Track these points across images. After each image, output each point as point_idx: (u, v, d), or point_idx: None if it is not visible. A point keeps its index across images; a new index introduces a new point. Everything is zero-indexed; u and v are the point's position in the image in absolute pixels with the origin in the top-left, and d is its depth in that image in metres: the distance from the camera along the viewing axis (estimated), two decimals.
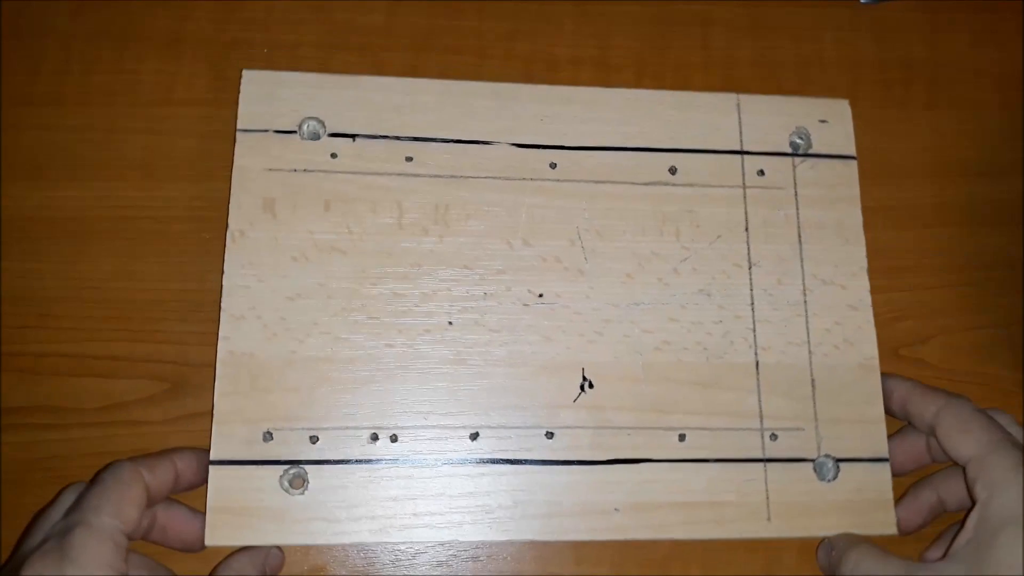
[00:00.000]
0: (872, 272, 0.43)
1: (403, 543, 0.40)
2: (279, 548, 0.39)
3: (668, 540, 0.40)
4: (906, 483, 0.42)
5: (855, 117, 0.46)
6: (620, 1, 0.49)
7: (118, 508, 0.34)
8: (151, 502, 0.36)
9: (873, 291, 0.43)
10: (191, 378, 0.41)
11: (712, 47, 0.49)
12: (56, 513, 0.35)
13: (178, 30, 0.46)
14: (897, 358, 0.45)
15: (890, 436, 0.42)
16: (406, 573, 0.40)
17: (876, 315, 0.43)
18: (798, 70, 0.49)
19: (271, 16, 0.46)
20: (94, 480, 0.36)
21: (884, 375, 0.42)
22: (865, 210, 0.45)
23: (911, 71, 0.50)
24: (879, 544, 0.39)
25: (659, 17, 0.49)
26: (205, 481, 0.38)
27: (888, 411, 0.42)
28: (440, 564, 0.40)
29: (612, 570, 0.41)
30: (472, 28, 0.47)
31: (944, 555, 0.37)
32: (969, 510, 0.37)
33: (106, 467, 0.36)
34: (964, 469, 0.38)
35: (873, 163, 0.47)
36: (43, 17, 0.45)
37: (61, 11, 0.45)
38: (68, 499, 0.36)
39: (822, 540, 0.41)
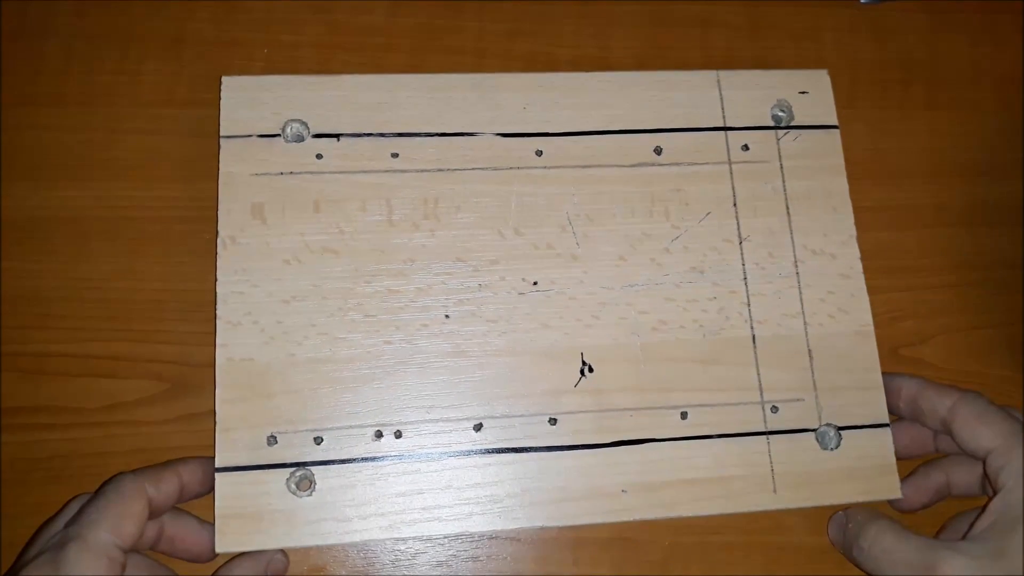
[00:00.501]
0: (872, 272, 0.41)
1: (411, 539, 0.38)
2: (283, 552, 0.36)
3: (677, 518, 0.38)
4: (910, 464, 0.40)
5: (855, 118, 0.44)
6: (620, 1, 0.46)
7: (116, 523, 0.32)
8: (155, 514, 0.34)
9: (873, 291, 0.40)
10: (191, 378, 0.39)
11: (712, 47, 0.46)
12: (59, 524, 0.33)
13: (179, 30, 0.43)
14: (897, 358, 0.42)
15: (893, 423, 0.39)
16: (406, 573, 0.37)
17: (876, 315, 0.40)
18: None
19: (271, 16, 0.44)
20: (97, 493, 0.33)
21: (890, 374, 0.40)
22: (865, 210, 0.42)
23: (910, 72, 0.47)
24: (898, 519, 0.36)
25: (659, 17, 0.46)
26: (211, 490, 0.35)
27: (893, 409, 0.39)
28: (440, 564, 0.38)
29: (612, 570, 0.38)
30: (472, 28, 0.45)
31: (963, 537, 0.35)
32: (991, 498, 0.35)
33: (110, 479, 0.34)
34: (984, 460, 0.36)
35: (873, 163, 0.45)
36: (44, 17, 0.43)
37: (62, 12, 0.43)
38: (73, 510, 0.33)
39: (832, 513, 0.39)
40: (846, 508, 0.39)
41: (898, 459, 0.39)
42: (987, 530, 0.34)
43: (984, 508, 0.35)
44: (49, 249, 0.40)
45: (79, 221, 0.40)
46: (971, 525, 0.35)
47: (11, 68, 0.42)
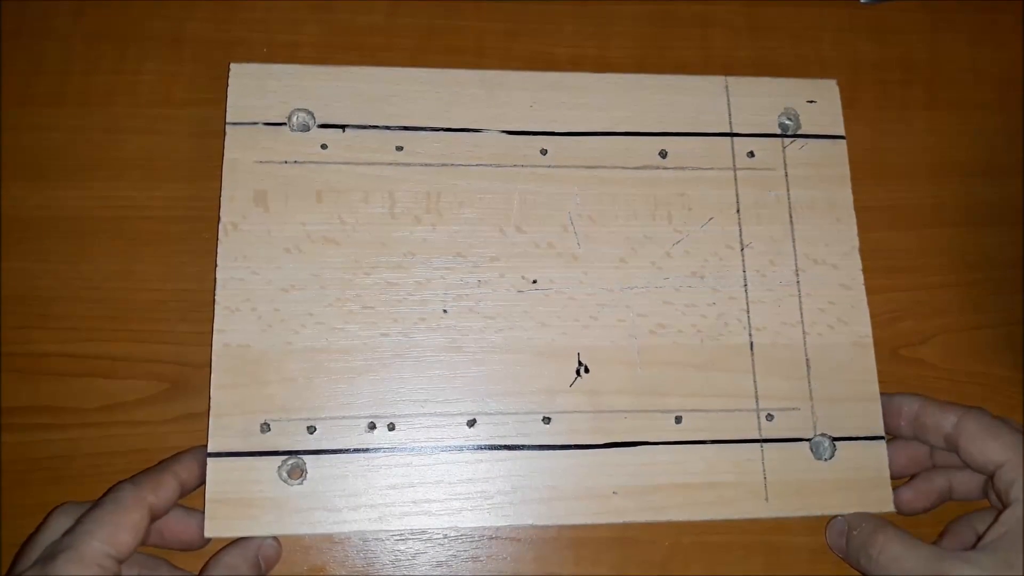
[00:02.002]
0: (872, 272, 0.43)
1: (411, 538, 0.40)
2: (275, 538, 0.38)
3: (667, 522, 0.39)
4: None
5: (855, 118, 0.46)
6: (620, 1, 0.48)
7: (111, 533, 0.33)
8: (156, 518, 0.36)
9: (873, 291, 0.42)
10: (191, 378, 0.41)
11: (711, 47, 0.48)
12: (44, 536, 0.35)
13: (178, 30, 0.45)
14: (897, 358, 0.44)
15: (889, 441, 0.41)
16: (406, 573, 0.39)
17: (876, 315, 0.42)
18: (797, 70, 0.48)
19: (271, 16, 0.46)
20: (96, 502, 0.35)
21: (888, 395, 0.41)
22: (865, 210, 0.44)
23: (910, 71, 0.49)
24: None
25: (659, 17, 0.48)
26: (204, 478, 0.37)
27: (894, 430, 0.41)
28: (440, 564, 0.40)
29: (612, 570, 0.40)
30: (472, 28, 0.47)
31: (973, 546, 0.37)
32: (1000, 510, 0.36)
33: (110, 489, 0.35)
34: (993, 474, 0.37)
35: (873, 163, 0.47)
36: (44, 17, 0.45)
37: (62, 11, 0.45)
38: (56, 521, 0.35)
39: (830, 519, 0.40)
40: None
41: (895, 478, 0.41)
42: (997, 541, 0.36)
43: (995, 520, 0.37)
44: (49, 249, 0.42)
45: (79, 221, 0.43)
46: (978, 536, 0.38)
47: (10, 68, 0.44)
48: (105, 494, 0.35)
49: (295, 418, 0.38)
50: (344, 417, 0.39)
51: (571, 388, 0.40)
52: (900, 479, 0.41)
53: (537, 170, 0.42)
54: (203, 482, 0.38)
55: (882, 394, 0.41)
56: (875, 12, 0.50)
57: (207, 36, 0.45)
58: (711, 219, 0.43)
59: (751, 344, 0.41)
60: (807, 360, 0.41)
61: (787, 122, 0.44)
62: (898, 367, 0.44)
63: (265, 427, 0.38)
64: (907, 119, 0.48)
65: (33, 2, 0.45)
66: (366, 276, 0.40)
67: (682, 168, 0.43)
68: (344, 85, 0.42)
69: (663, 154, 0.43)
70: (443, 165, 0.42)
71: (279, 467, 0.37)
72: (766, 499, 0.39)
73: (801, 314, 0.42)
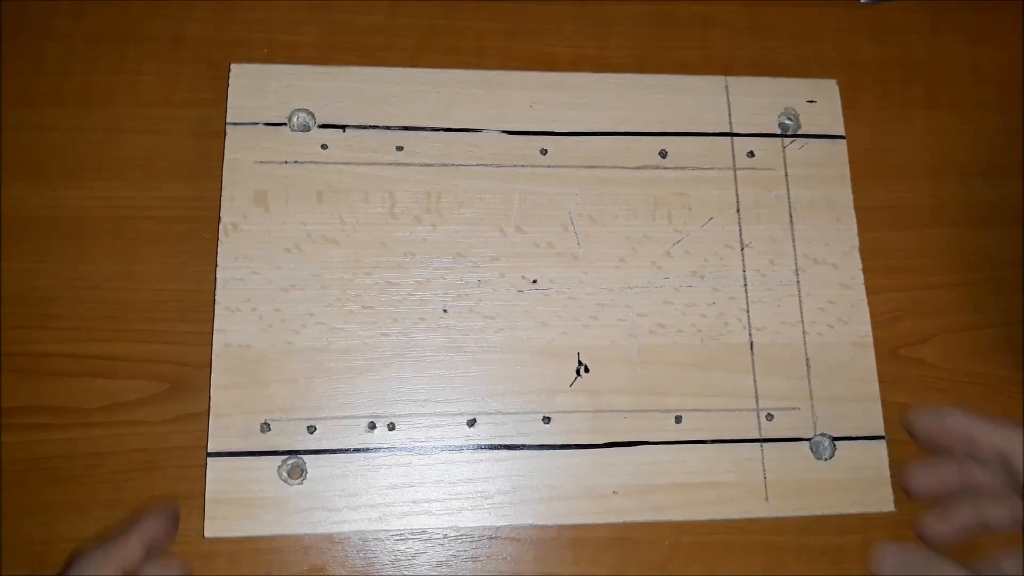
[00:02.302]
0: (872, 272, 0.43)
1: (411, 538, 0.39)
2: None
3: (667, 522, 0.39)
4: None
5: (855, 118, 0.46)
6: (620, 1, 0.48)
7: None
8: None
9: (873, 291, 0.43)
10: (191, 378, 0.41)
11: (711, 47, 0.48)
12: None
13: (178, 30, 0.45)
14: (897, 358, 0.44)
15: (924, 464, 0.39)
16: (406, 573, 0.39)
17: (876, 315, 0.43)
18: (797, 70, 0.48)
19: (271, 16, 0.46)
20: (64, 566, 0.35)
21: (933, 408, 0.39)
22: (865, 210, 0.44)
23: (910, 71, 0.49)
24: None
25: (659, 17, 0.48)
26: (175, 532, 0.37)
27: (935, 444, 0.38)
28: (440, 564, 0.40)
29: (612, 570, 0.40)
30: (472, 28, 0.47)
31: None
32: None
33: (75, 553, 0.35)
34: None
35: (873, 163, 0.47)
36: (44, 17, 0.45)
37: (62, 12, 0.45)
38: None
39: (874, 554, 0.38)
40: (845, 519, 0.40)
41: (920, 500, 0.39)
42: None
43: None
44: (49, 249, 0.42)
45: (79, 221, 0.43)
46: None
47: (10, 68, 0.44)
48: (72, 558, 0.35)
49: (295, 418, 0.39)
50: (344, 417, 0.39)
51: (571, 388, 0.40)
52: (922, 499, 0.39)
53: (537, 170, 0.43)
54: (174, 534, 0.37)
55: (924, 406, 0.39)
56: (875, 12, 0.50)
57: (207, 36, 0.45)
58: (711, 219, 0.43)
59: (751, 344, 0.42)
60: (807, 360, 0.42)
61: (787, 122, 0.45)
62: (898, 367, 0.44)
63: (265, 427, 0.38)
64: (907, 119, 0.48)
65: (33, 2, 0.45)
66: (366, 276, 0.40)
67: (682, 168, 0.44)
68: (344, 85, 0.43)
69: (663, 154, 0.44)
70: (443, 165, 0.42)
71: (279, 467, 0.38)
72: (766, 499, 0.40)
73: (801, 314, 0.42)
